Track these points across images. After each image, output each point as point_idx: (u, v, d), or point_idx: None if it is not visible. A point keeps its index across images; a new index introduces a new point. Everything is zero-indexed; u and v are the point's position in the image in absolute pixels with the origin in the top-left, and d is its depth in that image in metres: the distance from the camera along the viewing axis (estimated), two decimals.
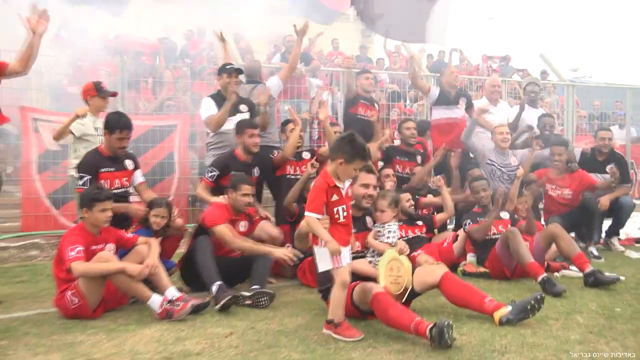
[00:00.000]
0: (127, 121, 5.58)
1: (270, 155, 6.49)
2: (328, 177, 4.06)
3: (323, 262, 4.00)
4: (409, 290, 4.36)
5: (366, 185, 4.86)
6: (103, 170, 5.46)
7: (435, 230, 6.85)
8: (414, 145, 7.52)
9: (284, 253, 5.12)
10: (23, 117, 7.94)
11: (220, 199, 5.60)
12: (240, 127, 6.21)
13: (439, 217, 6.71)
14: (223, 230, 5.24)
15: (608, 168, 7.55)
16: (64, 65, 9.66)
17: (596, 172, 7.64)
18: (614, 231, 7.85)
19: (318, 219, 4.00)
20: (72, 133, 6.09)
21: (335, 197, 4.06)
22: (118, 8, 9.84)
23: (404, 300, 4.32)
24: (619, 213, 7.67)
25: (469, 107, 7.97)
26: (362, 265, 4.66)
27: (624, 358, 3.50)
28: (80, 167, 5.51)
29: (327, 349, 3.69)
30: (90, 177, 5.37)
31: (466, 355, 3.53)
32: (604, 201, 7.31)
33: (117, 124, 5.50)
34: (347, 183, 4.19)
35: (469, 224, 6.22)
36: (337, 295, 3.97)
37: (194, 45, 13.18)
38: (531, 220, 6.32)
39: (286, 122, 6.76)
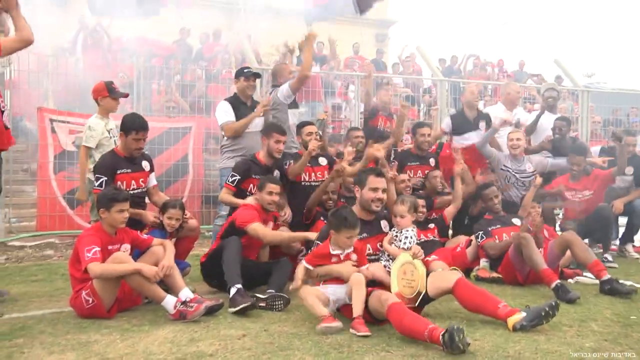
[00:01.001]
0: (143, 122, 5.58)
1: (284, 165, 6.38)
2: (327, 247, 4.56)
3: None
4: (422, 294, 4.37)
5: (375, 189, 4.92)
6: (120, 171, 5.47)
7: (450, 232, 6.84)
8: (428, 149, 7.51)
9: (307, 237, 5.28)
10: (40, 117, 8.05)
11: (250, 200, 5.63)
12: (269, 130, 6.17)
13: (447, 211, 6.69)
14: (257, 227, 5.25)
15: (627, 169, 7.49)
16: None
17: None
18: (628, 237, 7.79)
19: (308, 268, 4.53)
20: (88, 146, 6.01)
21: (334, 260, 4.53)
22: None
23: (417, 304, 4.33)
24: (632, 218, 7.62)
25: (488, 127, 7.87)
26: (378, 270, 4.66)
27: None
28: (97, 169, 5.53)
29: (340, 352, 3.69)
30: (106, 178, 5.38)
31: None
32: (618, 204, 7.28)
33: (133, 125, 5.50)
34: (348, 250, 4.56)
35: (482, 236, 6.19)
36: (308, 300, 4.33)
37: (209, 48, 13.26)
38: (539, 235, 6.21)
39: (302, 125, 6.68)
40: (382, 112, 7.76)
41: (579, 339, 3.99)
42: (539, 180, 6.76)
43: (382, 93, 7.93)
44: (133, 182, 5.56)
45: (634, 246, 7.90)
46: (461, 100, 8.29)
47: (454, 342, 3.54)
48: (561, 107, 11.36)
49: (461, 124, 7.86)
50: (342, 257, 4.55)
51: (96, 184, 5.41)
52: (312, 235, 5.19)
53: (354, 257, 4.58)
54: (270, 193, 5.46)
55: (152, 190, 5.88)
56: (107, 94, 6.10)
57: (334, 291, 4.41)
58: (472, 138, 7.67)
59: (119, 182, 5.43)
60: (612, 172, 7.33)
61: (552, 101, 8.48)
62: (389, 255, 4.83)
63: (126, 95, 6.68)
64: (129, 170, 5.54)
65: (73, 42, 11.57)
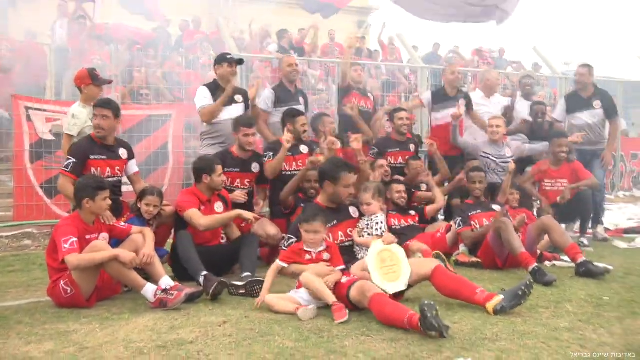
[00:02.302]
0: (103, 100, 5.60)
1: (265, 158, 6.39)
2: (301, 243, 4.68)
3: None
4: (409, 275, 4.42)
5: (348, 186, 5.08)
6: (93, 157, 5.41)
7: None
8: (406, 134, 7.55)
9: (252, 214, 5.41)
10: (15, 105, 7.92)
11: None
12: (237, 124, 6.19)
13: (429, 208, 6.76)
14: (192, 213, 5.32)
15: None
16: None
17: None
18: (595, 219, 7.87)
19: (283, 267, 4.64)
20: (70, 135, 5.92)
21: (307, 257, 4.62)
22: None
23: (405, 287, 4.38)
24: (594, 196, 7.74)
25: (468, 109, 7.95)
26: (357, 270, 4.70)
27: (610, 344, 3.55)
28: (69, 151, 5.49)
29: (320, 337, 3.72)
30: (75, 161, 5.33)
31: (458, 343, 3.56)
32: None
33: (97, 103, 5.54)
34: (320, 248, 4.64)
35: (460, 223, 6.24)
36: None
37: (189, 35, 13.15)
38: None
39: (293, 115, 6.61)
40: (356, 90, 7.82)
41: (555, 319, 4.06)
42: (512, 166, 6.82)
43: (352, 71, 7.98)
44: (108, 169, 5.49)
45: (606, 229, 8.02)
46: (442, 79, 8.31)
47: (427, 318, 3.57)
48: (540, 95, 11.46)
49: (440, 99, 7.96)
50: (314, 255, 4.60)
51: (64, 164, 5.36)
52: (246, 213, 5.34)
53: (326, 256, 4.62)
54: (220, 175, 5.53)
55: (134, 178, 5.83)
56: (90, 81, 6.02)
57: (305, 293, 4.39)
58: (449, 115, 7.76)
59: (92, 169, 5.37)
60: (592, 179, 7.39)
61: (529, 89, 8.66)
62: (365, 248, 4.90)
63: (110, 82, 6.61)
64: (103, 157, 5.46)
65: (52, 29, 11.41)
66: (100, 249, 4.48)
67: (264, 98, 7.21)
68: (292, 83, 7.29)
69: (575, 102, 8.15)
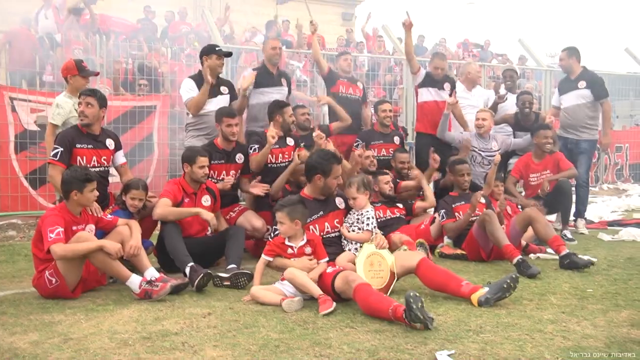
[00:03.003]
0: (87, 90, 5.56)
1: (250, 150, 6.36)
2: (282, 238, 4.66)
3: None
4: (394, 282, 4.45)
5: (337, 177, 5.11)
6: (79, 146, 5.38)
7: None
8: (390, 126, 7.56)
9: (211, 216, 5.29)
10: None
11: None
12: (219, 115, 6.15)
13: (418, 204, 6.77)
14: (160, 202, 5.33)
15: None
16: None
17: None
18: (577, 212, 7.90)
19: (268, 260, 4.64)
20: (54, 124, 5.87)
21: (289, 252, 4.61)
22: None
23: (387, 293, 4.39)
24: (576, 189, 7.79)
25: (452, 90, 7.93)
26: (343, 262, 4.74)
27: (593, 336, 3.58)
28: (56, 140, 5.44)
29: (305, 329, 3.73)
30: (62, 149, 5.30)
31: (442, 334, 3.59)
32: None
33: (84, 91, 5.51)
34: (301, 242, 4.63)
35: (444, 215, 6.26)
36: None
37: (175, 27, 13.09)
38: (501, 213, 6.34)
39: (281, 105, 6.56)
40: (342, 78, 7.82)
41: (538, 311, 4.10)
42: (497, 158, 6.84)
43: (342, 60, 8.00)
44: (94, 158, 5.46)
45: (587, 222, 8.06)
46: (429, 66, 8.25)
47: (412, 310, 3.58)
48: (527, 87, 11.54)
49: (429, 82, 7.85)
50: (295, 249, 4.60)
51: (51, 153, 5.33)
52: (204, 213, 5.23)
53: (308, 249, 4.62)
54: (202, 167, 5.48)
55: (121, 170, 5.80)
56: (77, 72, 5.97)
57: (290, 285, 4.40)
58: (438, 95, 7.76)
59: (78, 157, 5.34)
60: (572, 169, 7.37)
61: (511, 84, 8.70)
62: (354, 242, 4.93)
63: (96, 74, 6.57)
64: (90, 146, 5.44)
65: (35, 17, 11.30)
66: (85, 239, 4.46)
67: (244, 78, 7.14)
68: (274, 66, 7.21)
69: (563, 85, 8.17)
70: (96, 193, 4.72)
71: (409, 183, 6.96)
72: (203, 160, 5.49)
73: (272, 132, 6.12)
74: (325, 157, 5.17)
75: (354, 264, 4.66)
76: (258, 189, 6.08)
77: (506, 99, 8.15)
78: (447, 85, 7.81)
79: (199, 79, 6.53)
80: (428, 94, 7.81)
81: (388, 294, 4.38)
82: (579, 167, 7.58)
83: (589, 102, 7.81)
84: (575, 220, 7.81)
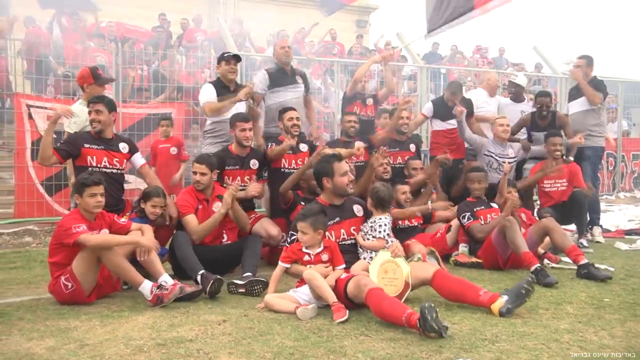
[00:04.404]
0: (102, 96, 5.67)
1: (268, 146, 6.46)
2: (299, 245, 4.65)
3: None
4: (407, 292, 4.42)
5: (344, 174, 5.05)
6: (88, 146, 5.41)
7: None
8: (406, 133, 7.55)
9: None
10: (17, 103, 7.94)
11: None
12: (233, 120, 6.20)
13: (439, 214, 6.76)
14: (187, 219, 5.39)
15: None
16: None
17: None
18: (592, 220, 7.83)
19: (285, 267, 4.63)
20: (69, 132, 5.90)
21: (306, 258, 4.59)
22: None
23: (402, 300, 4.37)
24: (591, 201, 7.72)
25: (468, 115, 7.86)
26: (358, 271, 4.69)
27: (611, 346, 3.54)
28: (67, 138, 5.55)
29: (320, 336, 3.72)
30: (66, 145, 5.42)
31: (457, 343, 3.56)
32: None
33: (91, 99, 5.58)
34: (319, 249, 4.62)
35: (470, 217, 6.21)
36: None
37: (190, 34, 13.18)
38: (515, 217, 6.31)
39: (284, 110, 6.65)
40: (359, 100, 7.85)
41: (555, 321, 4.06)
42: (507, 167, 6.74)
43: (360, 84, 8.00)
44: (105, 158, 5.47)
45: (607, 230, 7.99)
46: (445, 92, 8.26)
47: (427, 321, 3.57)
48: None
49: (442, 110, 7.94)
50: (312, 256, 4.59)
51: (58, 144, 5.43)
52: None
53: (325, 256, 4.61)
54: (195, 173, 5.55)
55: (143, 171, 5.81)
56: (92, 80, 6.02)
57: (304, 292, 4.41)
58: (450, 123, 7.85)
59: (88, 157, 5.37)
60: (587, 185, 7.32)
61: (513, 96, 8.68)
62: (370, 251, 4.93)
63: (112, 81, 6.61)
64: (100, 147, 5.46)
65: (50, 25, 11.42)
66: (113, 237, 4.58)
67: (257, 81, 7.17)
68: (286, 65, 7.26)
69: (573, 92, 8.20)
70: (98, 199, 4.69)
71: (418, 177, 6.92)
72: (199, 167, 5.55)
73: (288, 142, 6.22)
74: (323, 159, 5.21)
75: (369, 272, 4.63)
76: (252, 187, 6.05)
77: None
78: (459, 109, 7.73)
79: (217, 85, 6.59)
80: (439, 125, 7.98)
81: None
82: (583, 175, 7.54)
83: (594, 109, 7.81)
84: (590, 229, 7.75)
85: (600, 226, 7.94)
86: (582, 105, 7.90)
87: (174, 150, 8.37)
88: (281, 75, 7.16)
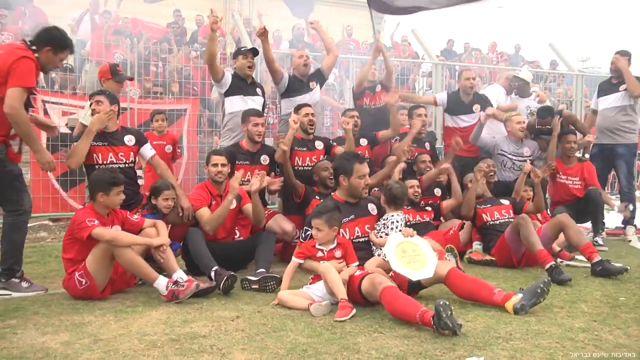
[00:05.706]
0: (104, 89, 5.74)
1: (273, 151, 6.44)
2: (314, 239, 4.63)
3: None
4: (435, 263, 4.41)
5: (362, 176, 5.04)
6: (94, 143, 5.39)
7: (442, 218, 6.85)
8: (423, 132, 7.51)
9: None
10: (32, 99, 7.96)
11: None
12: (245, 115, 6.23)
13: (445, 203, 6.74)
14: (200, 212, 5.37)
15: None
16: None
17: None
18: (628, 220, 7.75)
19: (299, 263, 4.61)
20: (85, 125, 5.89)
21: (319, 255, 4.57)
22: None
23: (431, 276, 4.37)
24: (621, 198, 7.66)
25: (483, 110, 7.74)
26: (372, 267, 4.67)
27: (626, 345, 3.51)
28: (75, 138, 5.59)
29: (333, 333, 3.72)
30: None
31: (471, 341, 3.55)
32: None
33: (93, 92, 5.67)
34: (332, 245, 4.60)
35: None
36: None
37: (204, 30, 13.18)
38: (539, 195, 6.32)
39: (298, 107, 6.65)
40: (368, 90, 7.82)
41: (569, 319, 4.03)
42: (527, 166, 6.68)
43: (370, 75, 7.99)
44: (110, 154, 5.46)
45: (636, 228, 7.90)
46: (457, 84, 8.26)
47: (441, 319, 3.56)
48: (558, 92, 11.41)
49: (455, 105, 7.87)
50: (325, 252, 4.57)
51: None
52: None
53: (338, 253, 4.60)
54: (215, 165, 5.54)
55: (153, 162, 5.74)
56: (110, 76, 6.09)
57: (317, 289, 4.42)
58: (464, 120, 7.75)
59: (94, 155, 5.37)
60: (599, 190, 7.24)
61: (518, 92, 8.46)
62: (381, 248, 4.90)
63: (130, 79, 6.65)
64: (105, 144, 5.46)
65: (78, 21, 11.49)
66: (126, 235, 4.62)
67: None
68: (304, 76, 7.26)
69: (603, 87, 8.02)
70: (122, 197, 4.80)
71: (431, 173, 6.88)
72: (215, 159, 5.58)
73: (294, 117, 6.25)
74: (346, 156, 5.20)
75: (383, 270, 4.61)
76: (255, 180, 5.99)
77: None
78: (476, 107, 7.73)
79: (235, 78, 6.71)
80: (452, 122, 7.88)
81: (432, 275, 4.38)
82: (619, 174, 7.45)
83: (628, 105, 7.69)
84: (624, 228, 7.69)
85: (635, 225, 7.81)
86: (614, 101, 7.73)
87: (169, 149, 8.02)
88: (297, 83, 7.19)
